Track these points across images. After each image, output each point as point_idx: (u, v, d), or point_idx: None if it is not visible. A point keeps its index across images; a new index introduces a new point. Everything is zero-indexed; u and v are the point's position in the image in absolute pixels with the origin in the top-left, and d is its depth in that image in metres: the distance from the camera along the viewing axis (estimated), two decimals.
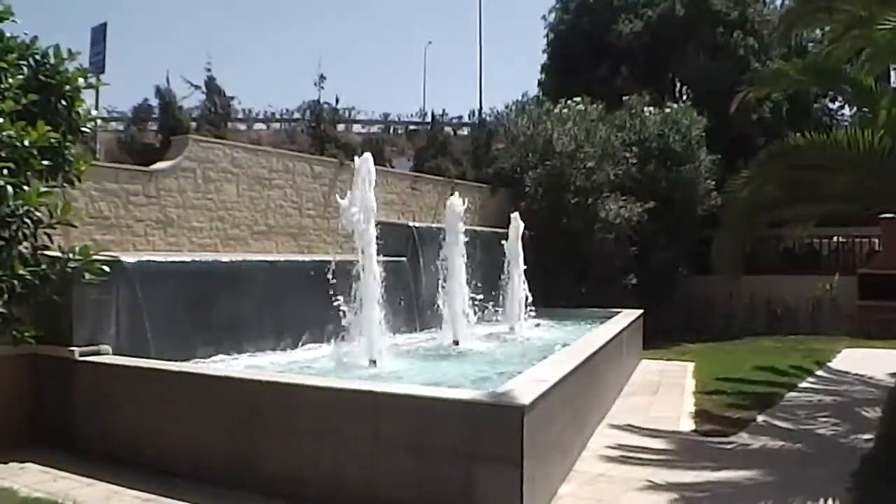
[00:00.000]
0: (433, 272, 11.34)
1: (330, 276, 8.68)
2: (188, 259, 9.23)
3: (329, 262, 9.76)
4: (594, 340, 8.79)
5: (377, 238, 8.83)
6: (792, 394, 10.46)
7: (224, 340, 8.80)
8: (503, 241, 12.85)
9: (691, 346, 16.01)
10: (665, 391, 10.67)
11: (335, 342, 8.87)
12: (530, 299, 12.90)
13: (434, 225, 13.45)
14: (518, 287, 12.71)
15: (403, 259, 12.15)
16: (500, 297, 12.71)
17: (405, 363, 8.82)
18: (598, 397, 8.57)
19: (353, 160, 9.38)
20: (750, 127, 20.44)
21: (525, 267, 12.86)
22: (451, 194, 12.92)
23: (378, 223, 8.95)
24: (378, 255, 8.78)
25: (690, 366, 13.11)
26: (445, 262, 11.13)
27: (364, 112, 32.00)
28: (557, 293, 15.54)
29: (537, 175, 17.39)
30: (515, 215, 12.91)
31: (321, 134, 16.24)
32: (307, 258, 11.52)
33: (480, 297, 11.67)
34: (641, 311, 13.42)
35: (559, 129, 17.73)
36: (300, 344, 9.65)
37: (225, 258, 9.86)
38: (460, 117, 30.98)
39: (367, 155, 9.10)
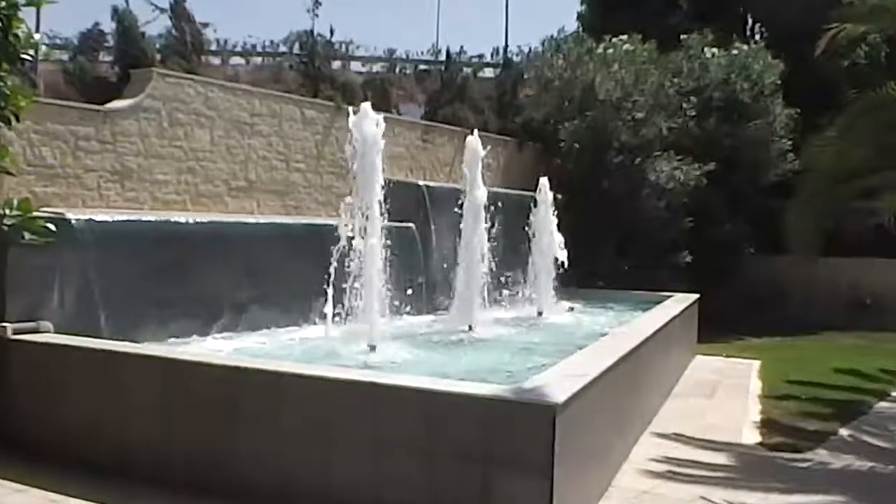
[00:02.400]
0: (446, 242, 11.26)
1: (322, 243, 8.61)
2: (151, 219, 9.15)
3: (321, 226, 9.67)
4: (639, 330, 8.72)
5: (381, 199, 8.73)
6: (883, 404, 10.37)
7: (194, 318, 8.78)
8: (531, 207, 12.75)
9: (757, 340, 15.95)
10: (724, 394, 10.63)
11: (328, 323, 8.84)
12: (562, 278, 12.85)
13: (448, 184, 13.37)
14: (547, 263, 12.65)
15: (411, 225, 12.09)
16: (526, 275, 12.64)
17: (411, 351, 8.78)
18: (644, 399, 8.52)
19: (351, 104, 9.26)
20: (839, 75, 20.02)
21: (556, 239, 12.79)
22: None
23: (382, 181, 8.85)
24: (381, 219, 8.70)
25: (755, 364, 13.05)
26: (461, 229, 11.03)
27: (365, 47, 31.73)
28: (595, 271, 15.49)
29: (574, 128, 17.26)
30: (544, 181, 12.81)
31: (313, 72, 16.11)
32: (296, 221, 11.45)
33: (502, 273, 11.60)
34: (696, 295, 13.35)
35: (603, 73, 17.56)
36: (286, 324, 9.62)
37: (196, 218, 9.80)
38: (481, 56, 30.68)
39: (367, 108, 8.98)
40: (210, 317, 9.02)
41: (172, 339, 8.30)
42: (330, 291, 8.62)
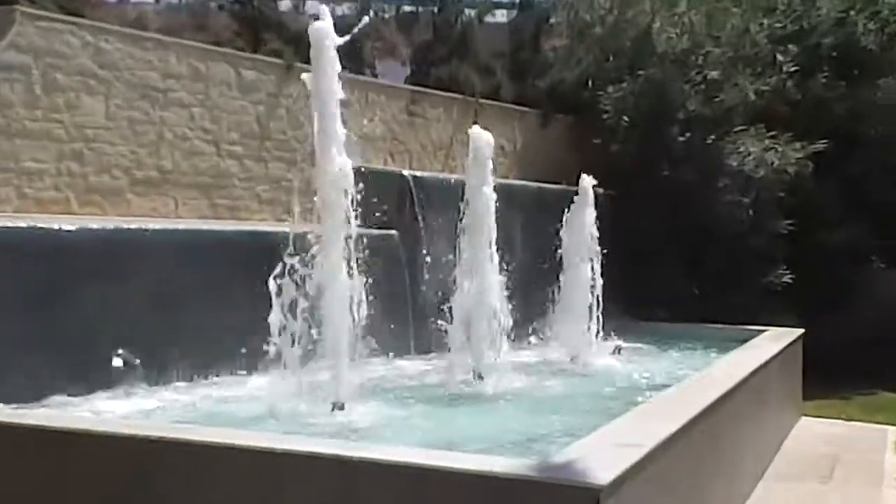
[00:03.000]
0: (443, 255, 11.25)
1: (268, 258, 8.59)
2: (13, 224, 9.04)
3: (267, 234, 9.64)
4: (717, 380, 8.72)
5: (350, 194, 8.71)
6: None
7: (77, 367, 8.69)
8: (563, 205, 12.75)
9: (891, 395, 15.88)
10: (846, 475, 10.54)
11: (276, 371, 8.81)
12: (607, 305, 12.84)
13: (445, 175, 13.37)
14: (586, 284, 12.65)
15: (393, 233, 12.14)
16: (556, 302, 12.64)
17: (392, 409, 8.77)
18: (726, 480, 8.49)
19: (308, 61, 9.23)
20: None
21: (599, 250, 12.78)
22: (474, 123, 12.77)
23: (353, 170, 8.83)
24: (350, 223, 8.68)
25: (890, 431, 13.02)
26: (464, 238, 11.03)
27: None
28: (653, 295, 15.51)
29: (622, 93, 17.36)
30: (587, 181, 12.79)
31: (253, 15, 16.14)
32: (230, 227, 11.46)
33: (522, 299, 11.58)
34: (801, 330, 13.31)
35: (663, 15, 17.62)
36: (216, 374, 9.62)
37: (83, 224, 9.75)
38: None
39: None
40: (101, 366, 8.94)
41: (45, 399, 8.18)
42: (277, 326, 8.58)
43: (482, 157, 11.02)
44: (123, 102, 11.64)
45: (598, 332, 12.71)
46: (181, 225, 11.15)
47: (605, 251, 12.79)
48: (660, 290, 15.78)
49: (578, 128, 18.10)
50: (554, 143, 17.98)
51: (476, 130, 11.22)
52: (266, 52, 14.32)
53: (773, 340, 12.17)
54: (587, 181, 12.81)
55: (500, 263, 10.95)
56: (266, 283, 8.63)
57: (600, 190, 13.21)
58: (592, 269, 12.63)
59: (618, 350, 12.98)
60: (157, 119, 12.00)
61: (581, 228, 12.69)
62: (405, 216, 12.46)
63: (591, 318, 12.62)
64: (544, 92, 18.84)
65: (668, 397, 7.86)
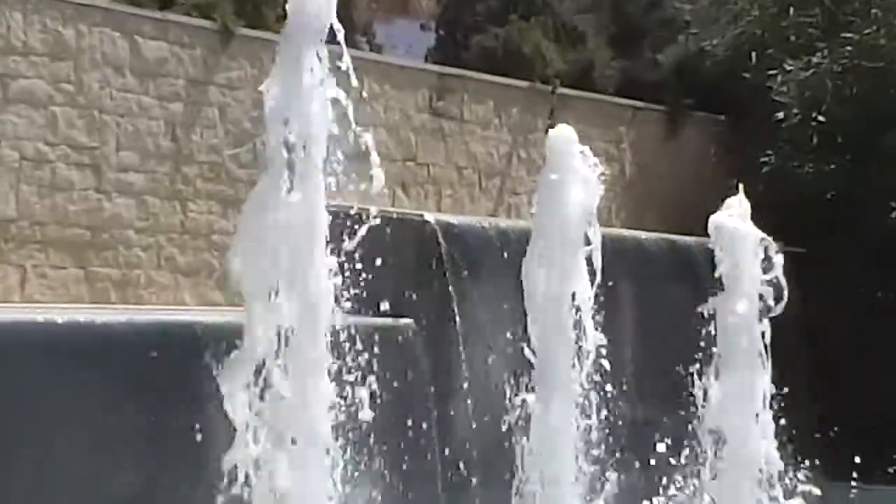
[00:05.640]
0: (494, 354, 11.30)
1: (184, 371, 8.65)
2: None
3: (186, 327, 9.68)
4: None
5: (341, 253, 8.77)
6: None
7: None
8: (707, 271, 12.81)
9: None
10: None
11: None
12: (791, 444, 12.83)
13: (497, 222, 13.45)
14: (755, 406, 12.65)
15: (408, 321, 12.21)
16: (703, 434, 12.63)
17: None
18: None
19: (257, 24, 9.34)
20: None
21: (771, 343, 12.80)
22: (549, 126, 12.78)
23: (340, 211, 8.88)
24: (338, 304, 8.73)
25: None
26: (532, 328, 11.06)
27: None
28: (873, 423, 15.46)
29: (813, 73, 17.36)
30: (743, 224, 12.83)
31: None
32: (119, 317, 11.49)
33: (642, 431, 11.60)
34: None
35: None
36: None
37: None
38: None
39: None
40: None
41: None
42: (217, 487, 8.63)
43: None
44: None
45: (777, 490, 12.73)
46: (35, 315, 11.17)
47: (786, 348, 12.81)
48: (884, 413, 15.74)
49: (732, 135, 18.15)
50: (690, 161, 18.02)
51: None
52: (184, 8, 14.42)
53: None
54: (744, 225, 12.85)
55: (602, 370, 11.00)
56: (182, 411, 8.67)
57: (775, 245, 13.26)
58: (765, 379, 12.66)
59: None
60: None
61: (742, 310, 12.75)
62: (428, 290, 12.50)
63: (764, 465, 12.61)
64: (672, 73, 18.91)
65: None
